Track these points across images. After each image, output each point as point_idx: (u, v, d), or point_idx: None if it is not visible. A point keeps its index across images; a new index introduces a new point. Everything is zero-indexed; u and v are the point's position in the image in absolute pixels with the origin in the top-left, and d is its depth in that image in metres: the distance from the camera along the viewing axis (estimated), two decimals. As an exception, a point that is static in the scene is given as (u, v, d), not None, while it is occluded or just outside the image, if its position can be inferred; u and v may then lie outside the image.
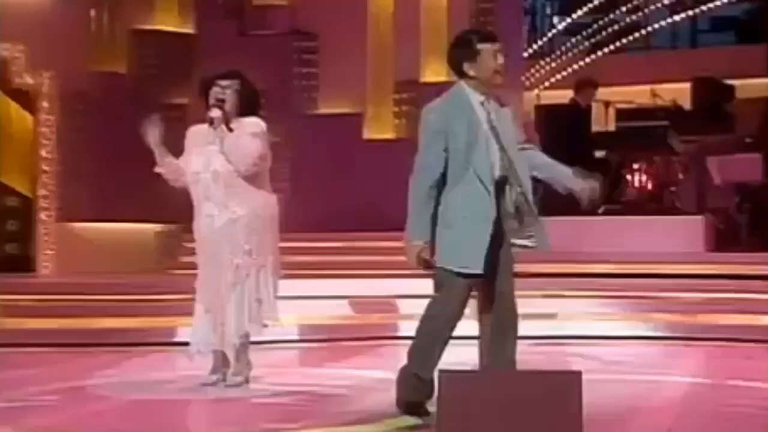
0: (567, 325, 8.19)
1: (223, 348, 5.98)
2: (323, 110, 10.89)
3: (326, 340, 8.14)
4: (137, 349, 7.66)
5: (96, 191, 10.66)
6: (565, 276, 8.63)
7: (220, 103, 5.86)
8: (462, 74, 4.72)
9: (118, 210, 10.60)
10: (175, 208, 10.97)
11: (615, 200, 9.73)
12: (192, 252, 10.45)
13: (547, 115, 10.25)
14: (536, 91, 11.42)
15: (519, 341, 7.78)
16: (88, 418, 5.21)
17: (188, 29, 11.26)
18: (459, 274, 4.56)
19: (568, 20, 12.52)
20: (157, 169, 6.16)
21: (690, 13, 12.26)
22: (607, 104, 10.44)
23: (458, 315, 4.65)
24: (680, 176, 9.81)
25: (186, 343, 7.59)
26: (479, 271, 4.53)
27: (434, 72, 10.51)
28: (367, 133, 10.70)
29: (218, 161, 5.85)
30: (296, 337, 8.11)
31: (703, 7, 11.87)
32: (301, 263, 8.63)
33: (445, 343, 4.66)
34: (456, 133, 4.58)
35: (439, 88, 10.33)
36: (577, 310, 8.27)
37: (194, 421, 5.38)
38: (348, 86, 10.73)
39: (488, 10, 10.31)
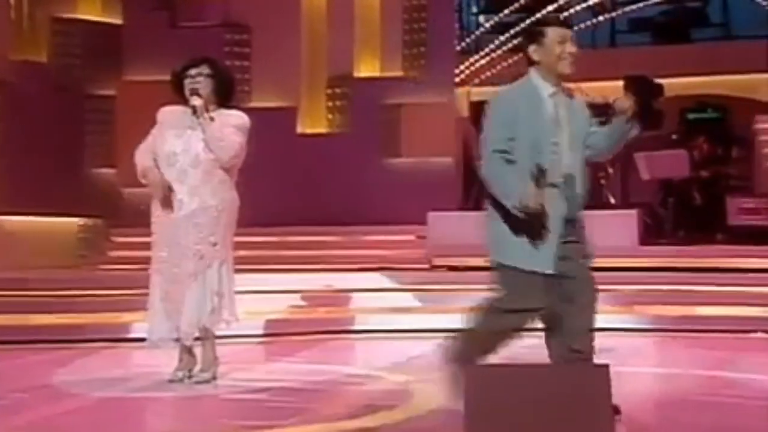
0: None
1: (180, 337, 5.82)
2: (256, 104, 10.74)
3: (269, 335, 8.01)
4: (82, 346, 7.41)
5: (15, 183, 10.33)
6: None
7: (196, 92, 5.75)
8: (530, 61, 4.50)
9: (38, 203, 10.29)
10: (98, 202, 10.74)
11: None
12: (121, 246, 10.36)
13: (484, 111, 10.31)
14: (467, 87, 11.49)
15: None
16: (65, 416, 5.03)
17: (115, 19, 10.94)
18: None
19: (495, 19, 12.65)
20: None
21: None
22: (541, 101, 10.55)
23: None
24: (610, 171, 10.00)
25: (132, 339, 7.51)
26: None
27: (368, 67, 10.51)
28: (301, 127, 10.59)
29: (200, 146, 5.74)
30: (241, 333, 7.95)
31: (626, 9, 12.20)
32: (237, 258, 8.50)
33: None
34: (521, 128, 4.38)
35: (372, 83, 10.46)
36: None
37: (176, 418, 5.23)
38: (281, 80, 10.61)
39: (421, 6, 10.32)
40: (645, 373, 6.30)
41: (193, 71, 5.84)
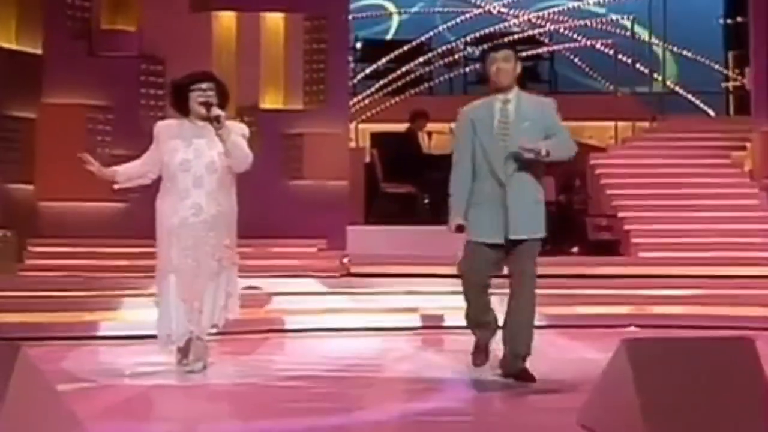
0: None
1: (199, 334, 5.14)
2: (171, 128, 9.95)
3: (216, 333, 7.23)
4: (46, 344, 6.42)
5: None
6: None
7: (212, 103, 5.12)
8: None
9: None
10: (13, 215, 9.50)
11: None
12: (38, 256, 9.19)
13: (382, 141, 10.26)
14: (354, 123, 11.27)
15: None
16: (126, 404, 4.23)
17: (35, 49, 9.73)
18: None
19: (373, 67, 13.12)
20: (116, 186, 5.61)
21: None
22: (429, 134, 10.57)
23: None
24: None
25: (98, 338, 6.63)
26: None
27: (272, 99, 10.17)
28: (213, 150, 9.93)
29: (214, 154, 5.12)
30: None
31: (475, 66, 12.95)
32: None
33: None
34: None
35: (276, 114, 9.93)
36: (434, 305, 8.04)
37: (249, 404, 4.54)
38: (194, 108, 9.84)
39: (320, 50, 10.18)
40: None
41: (204, 85, 5.30)
